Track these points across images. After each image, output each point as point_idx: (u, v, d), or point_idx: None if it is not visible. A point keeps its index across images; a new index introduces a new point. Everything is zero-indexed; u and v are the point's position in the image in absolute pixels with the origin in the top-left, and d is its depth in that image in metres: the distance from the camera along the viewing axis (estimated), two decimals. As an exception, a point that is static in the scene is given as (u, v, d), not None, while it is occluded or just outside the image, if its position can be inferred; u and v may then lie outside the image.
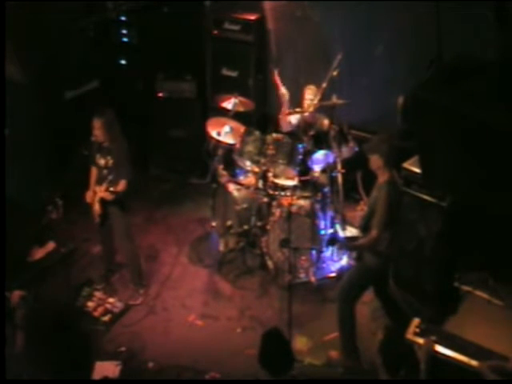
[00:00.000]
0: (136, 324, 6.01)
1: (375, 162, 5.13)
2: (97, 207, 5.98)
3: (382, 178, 5.16)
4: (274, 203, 6.41)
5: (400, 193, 5.39)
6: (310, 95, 6.50)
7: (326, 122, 6.60)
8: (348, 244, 5.60)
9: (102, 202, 5.94)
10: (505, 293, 5.50)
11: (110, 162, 5.94)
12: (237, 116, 6.72)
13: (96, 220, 6.07)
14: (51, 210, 5.74)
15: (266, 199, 6.44)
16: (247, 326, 5.94)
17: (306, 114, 6.55)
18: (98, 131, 5.82)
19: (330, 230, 6.49)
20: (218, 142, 6.63)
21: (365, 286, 5.46)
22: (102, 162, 5.99)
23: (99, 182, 6.02)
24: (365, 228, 5.22)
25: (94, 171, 6.12)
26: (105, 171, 5.98)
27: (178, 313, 6.17)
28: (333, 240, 5.58)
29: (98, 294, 6.26)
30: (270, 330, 4.24)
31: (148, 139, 8.15)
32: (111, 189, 5.79)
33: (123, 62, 7.99)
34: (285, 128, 6.74)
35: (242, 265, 6.65)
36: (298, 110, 6.60)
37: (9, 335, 4.60)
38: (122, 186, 5.86)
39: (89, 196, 6.05)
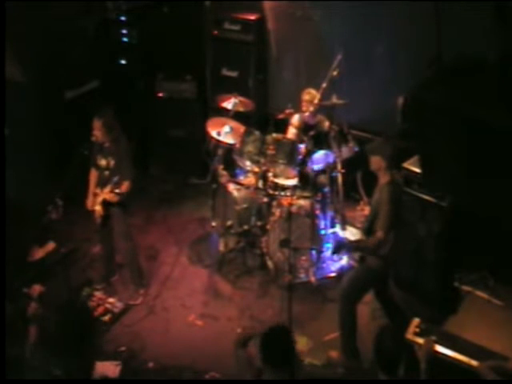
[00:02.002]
0: (136, 324, 6.01)
1: (377, 163, 5.11)
2: (99, 209, 5.97)
3: (384, 179, 5.15)
4: (274, 203, 6.41)
5: (401, 193, 5.39)
6: (309, 99, 6.48)
7: (326, 122, 6.60)
8: (353, 245, 5.59)
9: (105, 203, 5.95)
10: (505, 293, 5.51)
11: (112, 162, 5.94)
12: (237, 116, 6.72)
13: (97, 221, 6.07)
14: (51, 209, 5.74)
15: (266, 199, 6.43)
16: (247, 326, 5.94)
17: (306, 114, 6.55)
18: (98, 132, 5.82)
19: (333, 232, 6.49)
20: (218, 141, 6.63)
21: (367, 288, 5.46)
22: (103, 162, 5.98)
23: (100, 183, 6.02)
24: (368, 231, 5.20)
25: (93, 173, 6.11)
26: (106, 172, 5.97)
27: (178, 313, 6.17)
28: (339, 248, 5.55)
29: (98, 294, 6.26)
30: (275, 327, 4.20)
31: (148, 139, 8.15)
32: (117, 190, 5.79)
33: (123, 61, 7.98)
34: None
35: (242, 265, 6.65)
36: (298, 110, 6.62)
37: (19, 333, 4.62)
38: (125, 186, 5.86)
39: (90, 202, 6.05)
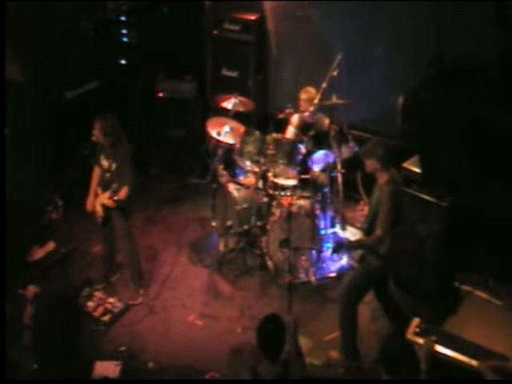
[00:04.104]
0: (136, 324, 6.01)
1: (371, 165, 5.12)
2: (99, 209, 5.97)
3: (382, 178, 5.14)
4: (274, 203, 6.41)
5: (401, 191, 5.39)
6: (306, 98, 6.48)
7: (326, 121, 6.60)
8: (352, 245, 5.60)
9: (104, 205, 5.95)
10: (505, 293, 5.51)
11: (114, 165, 5.93)
12: (237, 116, 6.72)
13: (98, 222, 6.07)
14: (51, 209, 5.74)
15: (265, 199, 6.43)
16: (247, 326, 5.93)
17: (306, 114, 6.54)
18: (98, 133, 5.83)
19: (333, 232, 6.49)
20: (218, 141, 6.63)
21: (368, 287, 5.45)
22: (105, 164, 5.99)
23: (101, 183, 6.02)
24: (368, 231, 5.19)
25: (96, 172, 6.12)
26: (107, 174, 5.97)
27: (178, 313, 6.17)
28: (338, 247, 5.55)
29: (98, 293, 6.26)
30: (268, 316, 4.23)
31: (148, 139, 8.15)
32: (115, 198, 5.78)
33: (123, 61, 7.98)
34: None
35: (242, 265, 6.65)
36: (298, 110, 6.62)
37: (17, 332, 4.62)
38: (124, 192, 5.84)
39: (90, 203, 6.05)
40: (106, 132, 5.81)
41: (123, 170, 5.90)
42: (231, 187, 6.60)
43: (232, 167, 6.83)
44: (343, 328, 5.44)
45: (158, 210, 7.61)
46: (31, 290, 4.74)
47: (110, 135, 5.84)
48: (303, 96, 6.50)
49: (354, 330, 5.42)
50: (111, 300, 6.21)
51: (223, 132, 6.57)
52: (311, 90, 6.51)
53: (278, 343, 4.12)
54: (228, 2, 7.76)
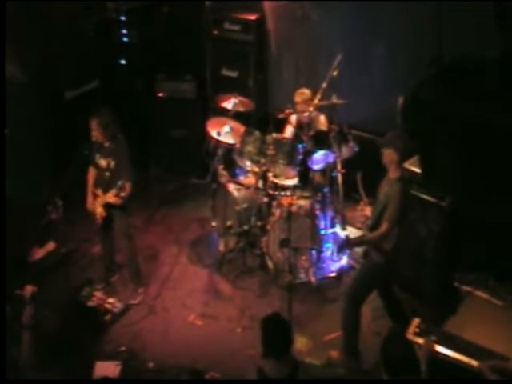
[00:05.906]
0: (136, 324, 6.01)
1: (389, 155, 5.06)
2: (100, 210, 5.96)
3: (394, 174, 5.10)
4: (274, 203, 6.41)
5: (409, 191, 5.37)
6: (301, 100, 6.47)
7: (322, 118, 6.60)
8: (355, 241, 5.58)
9: (107, 205, 5.94)
10: (505, 293, 5.51)
11: (112, 163, 5.93)
12: (237, 116, 6.72)
13: (99, 222, 6.06)
14: (51, 209, 5.74)
15: (266, 199, 6.44)
16: (247, 326, 5.94)
17: (305, 114, 6.54)
18: (96, 131, 5.83)
19: (333, 232, 6.49)
20: (218, 141, 6.63)
21: (372, 285, 5.42)
22: (103, 163, 5.98)
23: (100, 184, 6.01)
24: (374, 227, 5.16)
25: (92, 172, 6.10)
26: (106, 173, 5.96)
27: (178, 313, 6.17)
28: (342, 246, 5.53)
29: (97, 293, 6.26)
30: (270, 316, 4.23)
31: (148, 139, 8.15)
32: (122, 194, 5.78)
33: (123, 61, 7.98)
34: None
35: (242, 265, 6.65)
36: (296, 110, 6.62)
37: (15, 334, 4.62)
38: (128, 188, 5.85)
39: (90, 203, 6.05)
40: (104, 126, 5.80)
41: (122, 166, 5.89)
42: (231, 187, 6.60)
43: (232, 167, 6.83)
44: (346, 328, 5.43)
45: (158, 209, 7.61)
46: (28, 290, 4.74)
47: (108, 129, 5.84)
48: (297, 99, 6.50)
49: (357, 330, 5.41)
50: (111, 300, 6.21)
51: (223, 132, 6.57)
52: (305, 92, 6.51)
53: (282, 341, 4.10)
54: (228, 1, 7.76)
